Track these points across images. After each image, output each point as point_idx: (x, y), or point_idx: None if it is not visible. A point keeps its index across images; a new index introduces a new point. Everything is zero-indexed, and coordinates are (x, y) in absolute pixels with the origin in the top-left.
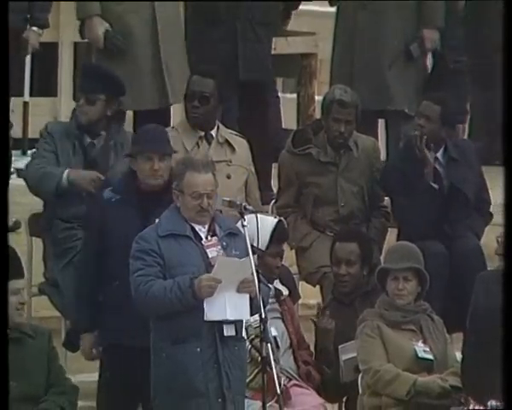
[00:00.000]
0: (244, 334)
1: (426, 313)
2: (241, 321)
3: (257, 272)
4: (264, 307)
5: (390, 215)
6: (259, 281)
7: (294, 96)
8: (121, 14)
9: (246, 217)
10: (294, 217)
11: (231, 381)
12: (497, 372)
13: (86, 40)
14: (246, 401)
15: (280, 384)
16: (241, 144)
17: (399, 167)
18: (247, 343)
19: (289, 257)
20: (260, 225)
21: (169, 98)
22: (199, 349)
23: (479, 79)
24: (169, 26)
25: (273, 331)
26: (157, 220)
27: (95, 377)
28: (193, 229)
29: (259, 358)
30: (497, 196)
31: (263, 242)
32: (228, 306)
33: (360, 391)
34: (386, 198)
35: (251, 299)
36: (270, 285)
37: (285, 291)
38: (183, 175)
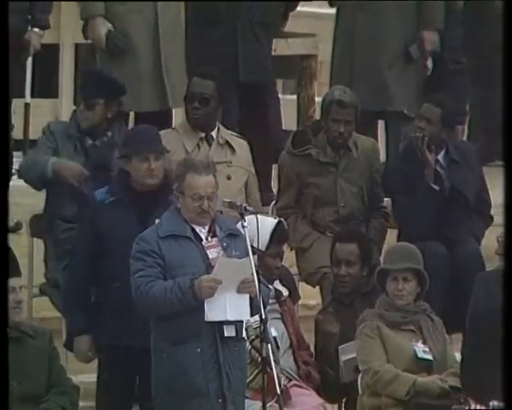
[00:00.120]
0: (244, 334)
1: (425, 313)
2: (242, 322)
3: (257, 272)
4: (265, 308)
5: (389, 216)
6: (259, 282)
7: (294, 97)
8: (124, 15)
9: (246, 218)
10: (294, 218)
11: (231, 381)
12: (496, 373)
13: (87, 41)
14: (246, 401)
15: (280, 385)
16: (241, 145)
17: (400, 168)
18: (248, 344)
19: (289, 258)
20: (260, 226)
21: (169, 101)
22: (199, 350)
23: (478, 79)
24: (170, 28)
25: (273, 332)
26: (157, 221)
27: (95, 377)
28: (193, 230)
29: (259, 358)
30: (497, 196)
31: (263, 242)
32: (228, 306)
33: (360, 391)
34: (385, 199)
35: (251, 299)
36: (270, 286)
37: (285, 292)
38: (184, 177)
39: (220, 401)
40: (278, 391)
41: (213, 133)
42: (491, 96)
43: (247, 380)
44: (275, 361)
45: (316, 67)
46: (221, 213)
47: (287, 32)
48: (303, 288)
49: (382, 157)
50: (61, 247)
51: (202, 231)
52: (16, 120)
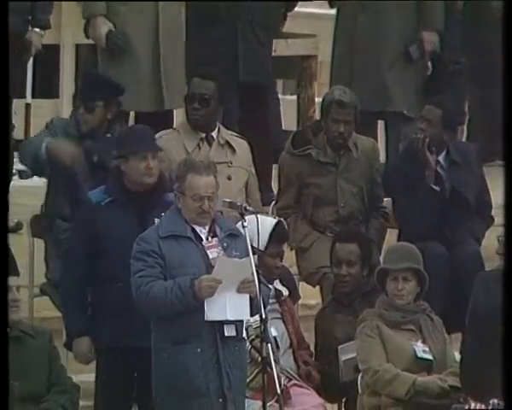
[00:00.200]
0: (244, 334)
1: (425, 313)
2: (242, 321)
3: (257, 272)
4: (265, 308)
5: (389, 216)
6: (260, 281)
7: (294, 97)
8: (125, 15)
9: (246, 218)
10: (294, 218)
11: (232, 381)
12: (496, 372)
13: (88, 42)
14: (246, 400)
15: (280, 384)
16: (241, 146)
17: (401, 168)
18: (248, 344)
19: (289, 258)
20: (260, 226)
21: (164, 102)
22: (199, 350)
23: (477, 79)
24: (171, 29)
25: (273, 332)
26: (156, 221)
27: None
28: (193, 230)
29: (260, 358)
30: (497, 196)
31: (262, 242)
32: (228, 306)
33: (360, 391)
34: (386, 199)
35: (251, 299)
36: (271, 286)
37: (285, 292)
38: (185, 177)
39: (220, 400)
40: (278, 391)
41: (214, 134)
42: (490, 95)
43: (248, 380)
44: (275, 361)
45: (316, 67)
46: (221, 213)
47: (287, 33)
48: (303, 288)
49: (382, 157)
50: (61, 247)
51: (202, 232)
52: (17, 120)
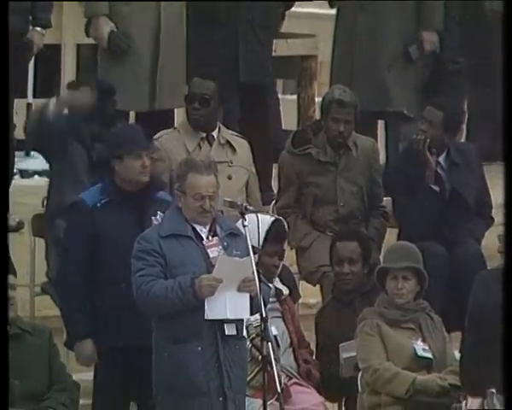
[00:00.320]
0: (245, 333)
1: (425, 311)
2: (242, 320)
3: (257, 271)
4: (265, 307)
5: (389, 215)
6: (260, 280)
7: (295, 97)
8: (127, 15)
9: (246, 217)
10: (294, 217)
11: (232, 380)
12: (495, 370)
13: (89, 42)
14: (246, 399)
15: (280, 383)
16: (242, 145)
17: (401, 168)
18: (248, 342)
19: (289, 257)
20: (261, 225)
21: (156, 102)
22: (200, 348)
23: (475, 78)
24: (172, 29)
25: (273, 330)
26: (153, 219)
27: None
28: (194, 229)
29: (260, 357)
30: (497, 195)
31: (259, 240)
32: (228, 305)
33: (360, 389)
34: (385, 199)
35: (251, 298)
36: (271, 284)
37: (285, 291)
38: (186, 176)
39: (221, 399)
40: (279, 389)
41: (214, 133)
42: (489, 95)
43: (248, 378)
44: (275, 360)
45: (316, 67)
46: (222, 212)
47: (287, 33)
48: (303, 287)
49: (382, 157)
50: (62, 246)
51: (203, 231)
52: (18, 120)
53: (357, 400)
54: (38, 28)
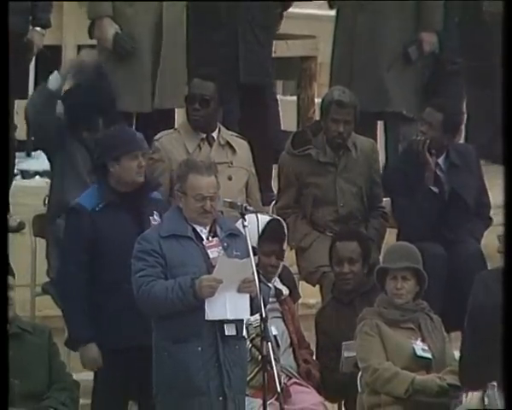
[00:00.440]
0: (245, 333)
1: (424, 311)
2: (242, 320)
3: (257, 272)
4: (265, 307)
5: (388, 216)
6: (260, 281)
7: (294, 98)
8: (131, 17)
9: (246, 217)
10: (294, 217)
11: (232, 380)
12: (495, 370)
13: (90, 42)
14: (246, 399)
15: (280, 383)
16: (241, 146)
17: (401, 169)
18: (248, 342)
19: (289, 257)
20: (260, 225)
21: (155, 102)
22: (200, 348)
23: (474, 79)
24: (173, 29)
25: (273, 330)
26: (151, 219)
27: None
28: (194, 230)
29: (260, 357)
30: (496, 196)
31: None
32: (228, 305)
33: (359, 389)
34: (385, 199)
35: (251, 298)
36: (270, 285)
37: (285, 291)
38: (186, 177)
39: (221, 399)
40: (278, 389)
41: (214, 134)
42: (488, 95)
43: (248, 378)
44: (275, 360)
45: (315, 68)
46: (222, 213)
47: (286, 34)
48: (303, 287)
49: (381, 158)
50: (62, 246)
51: (203, 231)
52: (19, 120)
53: (357, 400)
54: (38, 28)
